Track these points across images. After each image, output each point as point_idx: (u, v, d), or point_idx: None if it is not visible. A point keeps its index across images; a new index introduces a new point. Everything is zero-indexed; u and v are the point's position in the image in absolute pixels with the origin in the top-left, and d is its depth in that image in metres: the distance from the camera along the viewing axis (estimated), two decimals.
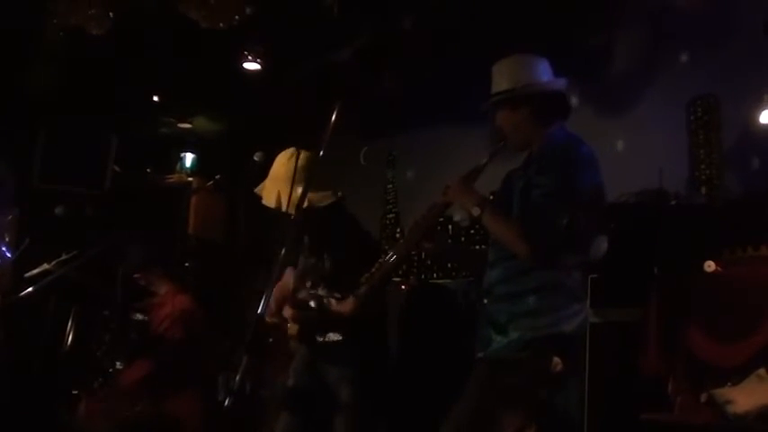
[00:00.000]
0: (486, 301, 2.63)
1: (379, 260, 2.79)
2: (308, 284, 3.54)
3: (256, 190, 3.58)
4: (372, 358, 3.51)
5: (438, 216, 2.77)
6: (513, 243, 2.50)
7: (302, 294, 3.54)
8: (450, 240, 5.08)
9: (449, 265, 5.26)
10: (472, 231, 5.09)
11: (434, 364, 4.64)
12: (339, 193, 3.54)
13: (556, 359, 2.45)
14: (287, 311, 3.55)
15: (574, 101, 5.16)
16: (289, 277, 3.64)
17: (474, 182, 2.66)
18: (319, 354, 3.50)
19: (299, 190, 3.07)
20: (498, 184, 2.87)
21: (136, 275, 4.62)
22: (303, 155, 3.35)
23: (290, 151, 3.51)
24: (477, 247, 3.38)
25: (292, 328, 3.58)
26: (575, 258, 2.55)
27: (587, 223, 2.52)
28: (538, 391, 2.46)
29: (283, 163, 3.49)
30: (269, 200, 3.50)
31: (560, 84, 2.74)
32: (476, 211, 2.55)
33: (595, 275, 3.55)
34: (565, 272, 2.53)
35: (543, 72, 2.71)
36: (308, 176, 3.19)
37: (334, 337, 3.45)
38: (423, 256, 5.94)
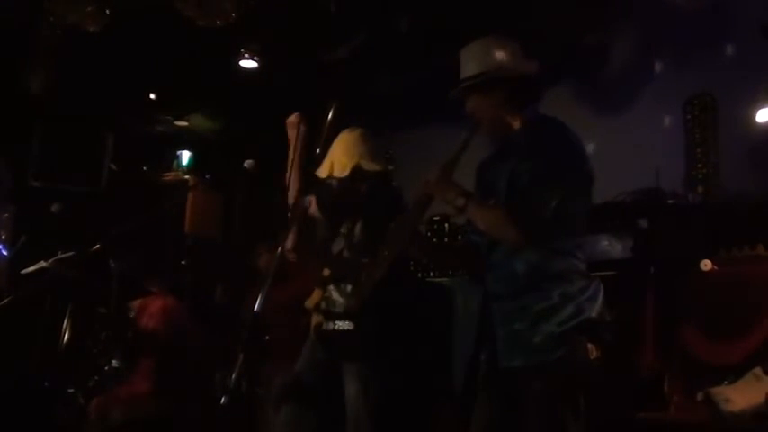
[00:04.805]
0: (497, 300, 2.49)
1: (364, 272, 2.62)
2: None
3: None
4: (385, 353, 3.24)
5: (422, 214, 2.61)
6: (501, 229, 2.42)
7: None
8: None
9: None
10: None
11: (432, 361, 4.64)
12: (390, 167, 3.46)
13: (590, 345, 2.41)
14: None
15: (570, 100, 5.23)
16: None
17: (452, 173, 2.52)
18: (327, 343, 3.25)
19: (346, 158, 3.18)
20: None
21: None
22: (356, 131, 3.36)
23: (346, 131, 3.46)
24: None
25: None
26: (572, 241, 2.49)
27: (578, 205, 2.46)
28: (584, 383, 2.41)
29: (340, 139, 3.42)
30: (322, 172, 3.37)
31: (532, 66, 2.61)
32: (460, 202, 2.44)
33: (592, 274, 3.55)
34: (574, 256, 2.46)
35: (514, 54, 2.59)
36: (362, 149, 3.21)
37: (344, 325, 3.19)
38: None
